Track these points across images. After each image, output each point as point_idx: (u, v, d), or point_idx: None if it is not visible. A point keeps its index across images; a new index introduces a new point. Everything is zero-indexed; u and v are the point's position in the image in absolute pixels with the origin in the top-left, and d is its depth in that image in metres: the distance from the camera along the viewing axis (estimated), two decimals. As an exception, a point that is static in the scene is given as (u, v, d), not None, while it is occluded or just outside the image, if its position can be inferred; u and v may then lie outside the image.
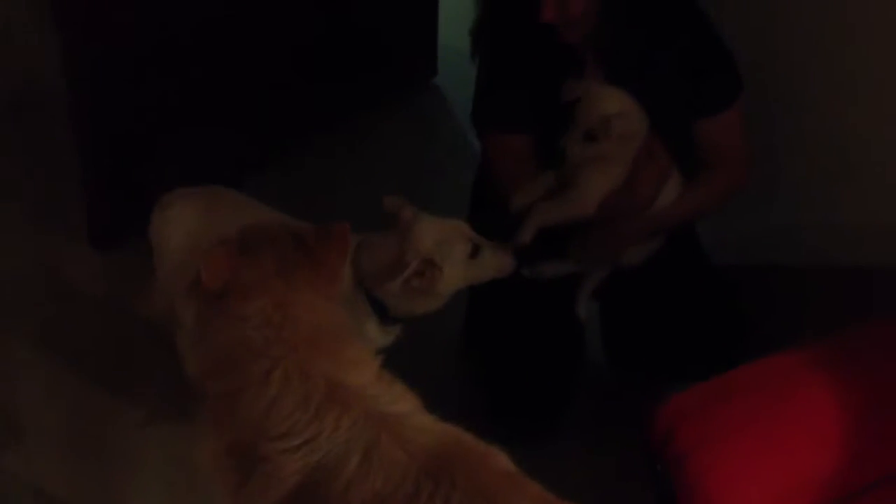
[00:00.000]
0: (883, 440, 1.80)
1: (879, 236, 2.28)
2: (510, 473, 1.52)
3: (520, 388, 2.34)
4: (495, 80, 2.20)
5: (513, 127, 2.18)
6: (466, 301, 2.46)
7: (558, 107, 2.11)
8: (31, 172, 2.93)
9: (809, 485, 1.75)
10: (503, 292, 2.32)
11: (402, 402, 1.57)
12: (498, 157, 2.24)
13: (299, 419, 1.51)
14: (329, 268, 1.66)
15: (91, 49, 2.49)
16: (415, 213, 2.03)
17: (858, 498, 1.79)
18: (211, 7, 2.64)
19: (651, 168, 2.12)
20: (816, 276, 2.39)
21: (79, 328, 2.59)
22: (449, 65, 3.33)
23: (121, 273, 2.68)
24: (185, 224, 2.15)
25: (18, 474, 2.30)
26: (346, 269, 2.01)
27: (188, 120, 2.76)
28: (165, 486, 2.31)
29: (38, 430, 2.38)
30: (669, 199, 2.17)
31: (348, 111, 3.16)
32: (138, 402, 2.44)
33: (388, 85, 3.22)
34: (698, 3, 2.13)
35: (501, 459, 1.54)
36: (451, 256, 2.02)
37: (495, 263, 2.08)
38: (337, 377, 1.54)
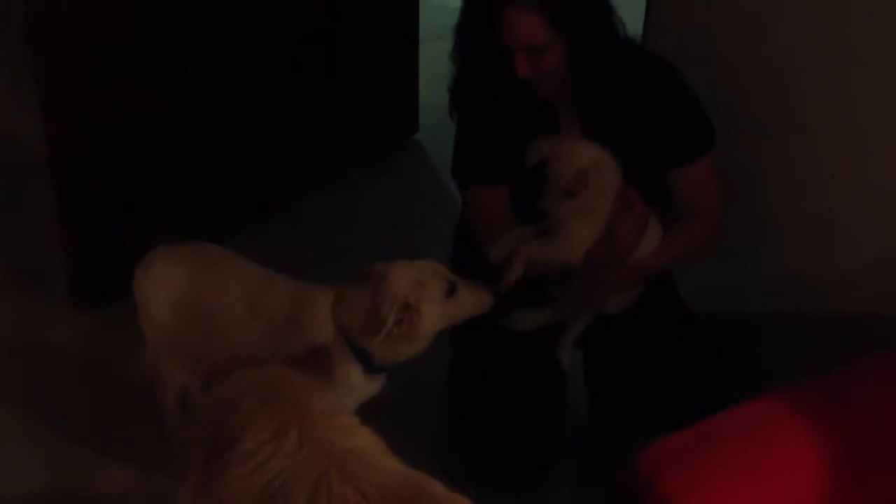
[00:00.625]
0: (861, 486, 1.78)
1: (857, 284, 2.30)
2: None
3: (503, 441, 2.32)
4: (473, 135, 2.22)
5: (491, 181, 2.21)
6: (450, 351, 2.46)
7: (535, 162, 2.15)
8: (9, 235, 2.95)
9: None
10: (486, 343, 2.34)
11: (366, 439, 1.59)
12: (477, 210, 2.26)
13: (261, 437, 1.56)
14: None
15: (69, 115, 2.52)
16: (385, 264, 2.04)
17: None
18: (189, 71, 2.69)
19: (628, 217, 2.14)
20: (794, 324, 2.41)
21: (61, 391, 2.57)
22: (430, 121, 3.37)
23: (104, 333, 2.67)
24: (169, 282, 2.16)
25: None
26: (328, 321, 2.05)
27: (170, 181, 2.80)
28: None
29: (20, 495, 2.35)
30: (650, 247, 2.18)
31: (332, 169, 3.20)
32: (121, 465, 2.40)
33: (370, 142, 3.27)
34: (666, 57, 2.18)
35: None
36: (427, 296, 2.02)
37: (472, 301, 2.08)
38: (307, 407, 1.60)
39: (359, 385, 2.09)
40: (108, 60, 2.52)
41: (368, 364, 2.07)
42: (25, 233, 2.94)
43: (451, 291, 2.04)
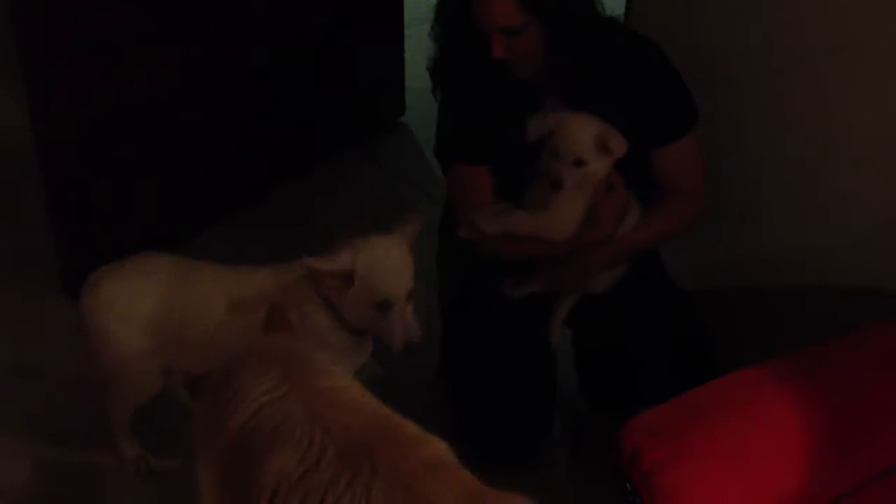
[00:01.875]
0: (850, 454, 1.82)
1: (844, 256, 2.31)
2: (437, 462, 1.51)
3: (494, 422, 2.34)
4: (455, 114, 2.23)
5: (472, 160, 2.22)
6: (441, 330, 2.48)
7: (515, 140, 2.16)
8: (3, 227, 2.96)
9: (777, 501, 1.76)
10: (476, 323, 2.36)
11: (343, 380, 1.61)
12: (458, 189, 2.27)
13: (251, 376, 1.58)
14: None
15: (56, 106, 2.53)
16: (403, 233, 2.06)
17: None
18: (171, 60, 2.70)
19: (610, 200, 2.15)
20: (778, 299, 2.42)
21: (54, 379, 2.58)
22: (416, 103, 3.38)
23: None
24: (123, 300, 2.13)
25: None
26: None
27: (157, 167, 2.81)
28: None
29: (14, 492, 2.35)
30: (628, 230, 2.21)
31: (318, 153, 3.20)
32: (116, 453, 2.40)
33: (356, 126, 3.27)
34: (649, 36, 2.19)
35: (434, 448, 1.54)
36: (366, 288, 2.02)
37: (391, 331, 2.05)
38: (285, 353, 1.63)
39: (341, 346, 2.11)
40: (91, 53, 2.52)
41: (349, 326, 2.10)
42: (19, 223, 2.94)
43: (383, 306, 2.03)
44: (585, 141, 2.09)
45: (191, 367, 1.74)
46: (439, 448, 1.56)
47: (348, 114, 3.20)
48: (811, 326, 2.19)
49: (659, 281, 2.39)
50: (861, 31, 2.12)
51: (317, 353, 1.67)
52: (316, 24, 3.03)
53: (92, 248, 2.69)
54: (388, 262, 2.03)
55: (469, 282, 2.40)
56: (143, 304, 2.13)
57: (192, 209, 2.92)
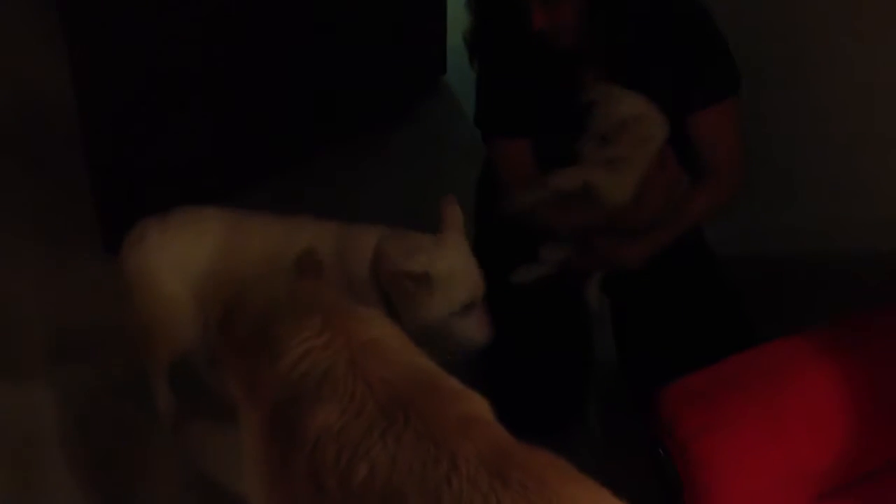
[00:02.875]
0: (886, 428, 1.79)
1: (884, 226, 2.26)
2: (471, 418, 1.52)
3: (526, 386, 2.33)
4: (494, 86, 2.21)
5: (513, 132, 2.20)
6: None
7: (557, 111, 2.13)
8: (41, 182, 2.99)
9: (811, 473, 1.75)
10: (512, 292, 2.33)
11: (385, 330, 1.62)
12: (500, 160, 2.26)
13: (298, 328, 1.60)
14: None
15: (98, 65, 2.53)
16: (458, 227, 2.02)
17: (861, 484, 1.78)
18: (219, 24, 2.68)
19: (661, 178, 2.10)
20: (820, 266, 2.38)
21: (94, 334, 2.61)
22: (458, 62, 3.33)
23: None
24: (170, 253, 2.14)
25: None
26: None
27: (200, 127, 2.80)
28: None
29: (50, 444, 2.40)
30: None
31: (359, 116, 3.18)
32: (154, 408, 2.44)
33: (398, 86, 3.24)
34: None
35: (471, 404, 1.56)
36: (446, 294, 1.98)
37: (470, 331, 2.02)
38: (330, 302, 1.65)
39: None
40: (134, 12, 2.51)
41: (392, 311, 2.07)
42: (62, 181, 2.97)
43: (466, 308, 2.00)
44: (615, 119, 2.04)
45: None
46: (477, 404, 1.58)
47: (390, 72, 3.17)
48: (857, 297, 2.16)
49: (696, 248, 2.35)
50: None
51: (355, 302, 1.68)
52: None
53: (134, 207, 2.72)
54: (464, 264, 2.00)
55: (505, 246, 2.38)
56: (192, 254, 2.14)
57: (234, 170, 2.92)
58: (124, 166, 2.71)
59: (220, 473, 2.31)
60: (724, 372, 1.80)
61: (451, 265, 1.99)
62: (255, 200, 2.63)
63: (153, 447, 2.40)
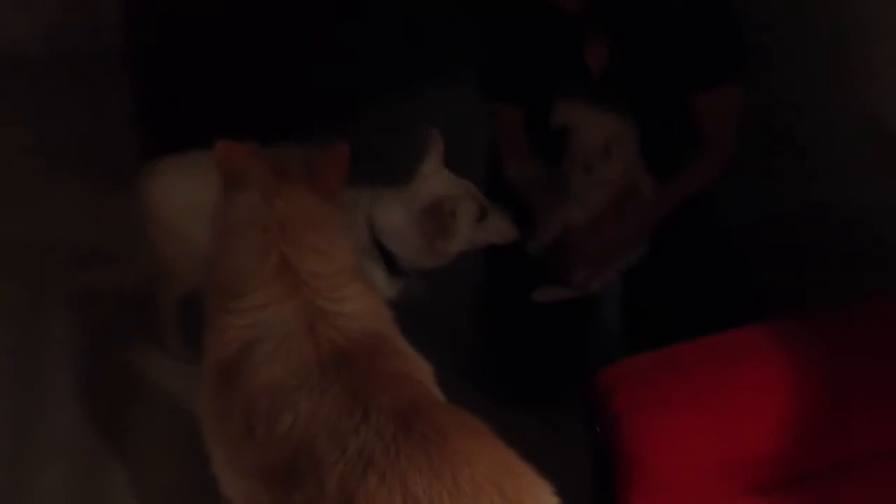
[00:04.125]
0: (835, 428, 1.74)
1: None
2: (398, 375, 1.58)
3: (525, 356, 2.37)
4: (495, 50, 2.22)
5: (511, 98, 2.22)
6: (483, 267, 2.50)
7: (556, 79, 2.14)
8: (86, 125, 3.12)
9: (748, 462, 1.72)
10: (516, 265, 2.35)
11: (345, 303, 1.64)
12: (498, 124, 2.28)
13: (252, 288, 1.63)
14: (325, 177, 1.75)
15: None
16: (436, 166, 2.10)
17: (802, 483, 1.74)
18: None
19: (641, 204, 2.15)
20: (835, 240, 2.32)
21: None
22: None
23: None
24: (181, 190, 2.20)
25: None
26: (361, 219, 2.12)
27: (244, 71, 2.85)
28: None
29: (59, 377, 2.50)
30: None
31: (399, 74, 3.19)
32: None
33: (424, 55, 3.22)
34: None
35: (409, 365, 1.62)
36: (461, 214, 2.08)
37: (500, 229, 2.13)
38: (295, 261, 1.64)
39: (382, 287, 2.15)
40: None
41: (392, 266, 2.15)
42: (106, 116, 3.10)
43: (481, 216, 2.10)
44: (596, 148, 2.09)
45: None
46: (415, 366, 1.65)
47: (416, 41, 3.16)
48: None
49: (706, 221, 2.31)
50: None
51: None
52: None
53: (175, 143, 2.84)
54: (456, 183, 2.10)
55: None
56: (201, 194, 2.13)
57: (277, 117, 2.93)
58: (167, 102, 2.78)
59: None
60: (670, 355, 1.78)
61: (447, 189, 2.08)
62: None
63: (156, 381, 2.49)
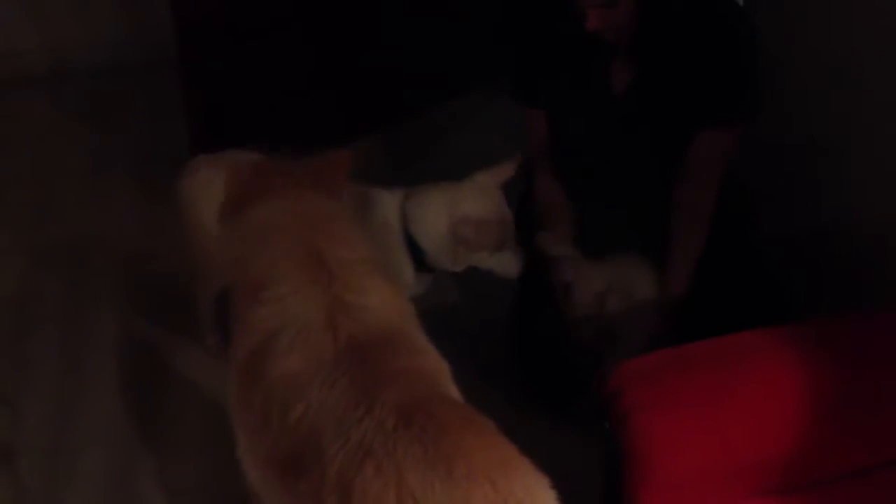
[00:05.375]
0: (850, 434, 1.75)
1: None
2: (409, 370, 1.61)
3: (547, 363, 2.42)
4: (523, 55, 2.28)
5: (533, 103, 2.28)
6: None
7: (582, 93, 2.20)
8: (141, 132, 3.25)
9: (754, 465, 1.73)
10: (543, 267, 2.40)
11: (367, 295, 1.69)
12: (528, 128, 2.34)
13: (280, 275, 1.69)
14: (332, 181, 1.86)
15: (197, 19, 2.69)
16: (493, 181, 2.22)
17: (810, 491, 1.75)
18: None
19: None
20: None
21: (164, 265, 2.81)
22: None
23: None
24: (214, 188, 2.20)
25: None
26: (389, 214, 2.21)
27: (291, 77, 2.90)
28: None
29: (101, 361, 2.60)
30: None
31: (461, 78, 3.23)
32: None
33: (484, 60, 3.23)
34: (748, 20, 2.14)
35: (424, 360, 1.66)
36: (489, 239, 2.19)
37: (508, 265, 2.25)
38: (324, 249, 1.71)
39: (409, 282, 2.24)
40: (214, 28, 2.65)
41: (420, 263, 2.22)
42: (159, 124, 3.22)
43: (499, 246, 2.20)
44: (587, 303, 2.19)
45: None
46: (430, 361, 1.69)
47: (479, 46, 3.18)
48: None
49: (738, 238, 2.32)
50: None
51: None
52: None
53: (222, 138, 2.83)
54: (502, 210, 2.25)
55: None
56: None
57: (329, 123, 2.98)
58: (216, 108, 2.83)
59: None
60: (680, 355, 1.80)
61: (493, 212, 2.18)
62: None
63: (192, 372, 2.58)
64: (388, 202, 2.24)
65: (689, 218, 2.18)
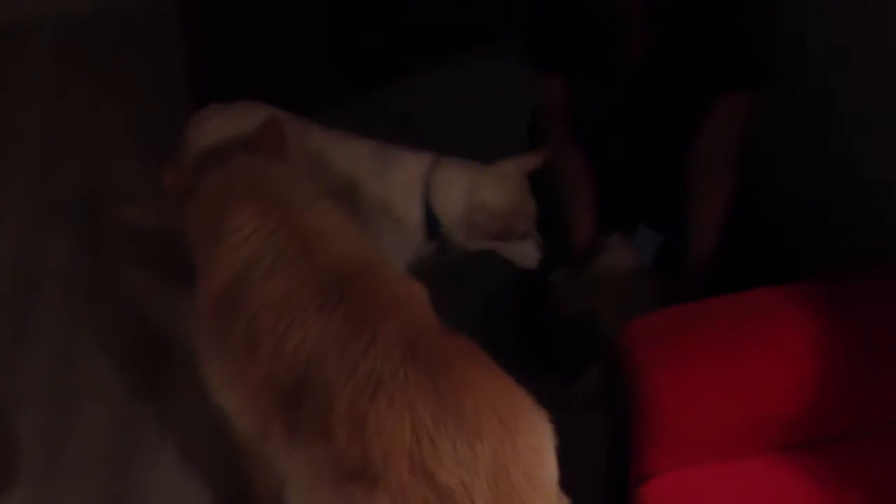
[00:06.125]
0: (861, 392, 1.74)
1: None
2: (401, 299, 1.63)
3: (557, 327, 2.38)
4: (541, 20, 2.22)
5: (551, 67, 2.22)
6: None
7: (597, 57, 2.15)
8: (142, 83, 3.21)
9: (769, 419, 1.72)
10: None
11: (332, 229, 1.73)
12: (541, 95, 2.28)
13: (244, 217, 1.73)
14: (270, 145, 1.96)
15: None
16: (518, 170, 2.18)
17: (827, 444, 1.74)
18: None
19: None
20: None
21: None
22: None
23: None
24: (219, 136, 2.20)
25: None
26: (416, 181, 2.18)
27: (291, 35, 2.88)
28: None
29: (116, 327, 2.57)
30: None
31: (466, 39, 3.19)
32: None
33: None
34: None
35: (408, 289, 1.68)
36: (507, 228, 2.15)
37: (525, 255, 2.21)
38: (280, 191, 1.77)
39: (414, 242, 2.22)
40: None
41: (433, 230, 2.20)
42: (159, 74, 3.18)
43: (509, 236, 2.16)
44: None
45: None
46: (413, 289, 1.71)
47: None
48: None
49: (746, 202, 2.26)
50: None
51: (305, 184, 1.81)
52: None
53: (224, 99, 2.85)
54: (524, 198, 2.20)
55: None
56: None
57: (329, 80, 2.98)
58: (218, 62, 2.81)
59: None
60: (691, 312, 1.78)
61: (514, 203, 2.13)
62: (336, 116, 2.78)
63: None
64: (411, 165, 2.20)
65: (714, 182, 2.13)
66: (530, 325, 2.50)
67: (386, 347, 1.52)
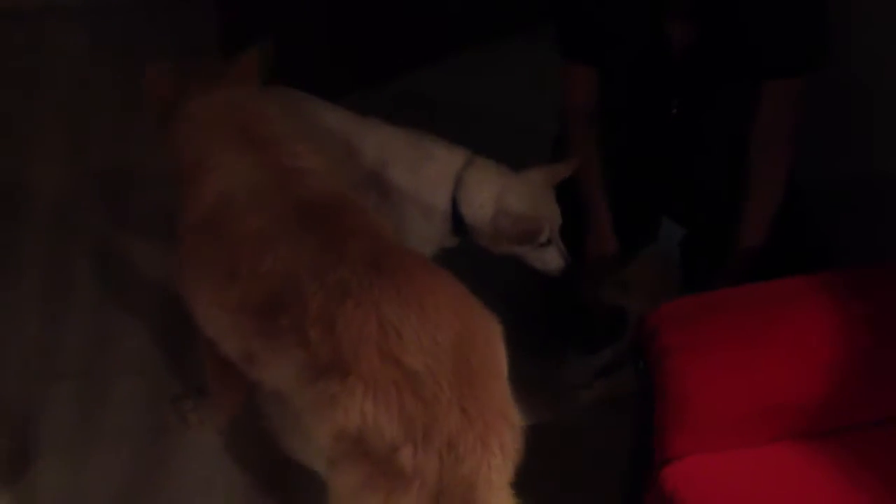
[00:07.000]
0: (883, 381, 1.76)
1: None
2: (364, 225, 1.76)
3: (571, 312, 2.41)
4: (573, 9, 2.20)
5: (588, 59, 2.21)
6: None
7: (634, 47, 2.13)
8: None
9: (790, 406, 1.74)
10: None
11: (308, 160, 1.85)
12: (567, 84, 2.28)
13: (221, 148, 1.86)
14: (244, 76, 2.03)
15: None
16: (548, 179, 2.21)
17: (849, 433, 1.76)
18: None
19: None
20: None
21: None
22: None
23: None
24: None
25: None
26: (447, 176, 2.22)
27: (318, 26, 2.93)
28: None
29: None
30: None
31: (484, 31, 3.23)
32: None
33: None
34: None
35: (381, 224, 1.80)
36: (531, 236, 2.19)
37: (549, 262, 2.24)
38: (256, 128, 1.89)
39: (439, 233, 2.27)
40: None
41: (459, 227, 2.24)
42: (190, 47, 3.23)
43: (545, 242, 2.20)
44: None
45: None
46: (380, 221, 1.83)
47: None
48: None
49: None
50: None
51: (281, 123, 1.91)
52: None
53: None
54: (551, 205, 2.24)
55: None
56: None
57: (352, 69, 3.03)
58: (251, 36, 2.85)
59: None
60: (715, 298, 1.81)
61: (539, 211, 2.19)
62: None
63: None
64: (444, 161, 2.23)
65: (768, 172, 2.12)
66: (554, 304, 2.48)
67: (353, 262, 1.66)
